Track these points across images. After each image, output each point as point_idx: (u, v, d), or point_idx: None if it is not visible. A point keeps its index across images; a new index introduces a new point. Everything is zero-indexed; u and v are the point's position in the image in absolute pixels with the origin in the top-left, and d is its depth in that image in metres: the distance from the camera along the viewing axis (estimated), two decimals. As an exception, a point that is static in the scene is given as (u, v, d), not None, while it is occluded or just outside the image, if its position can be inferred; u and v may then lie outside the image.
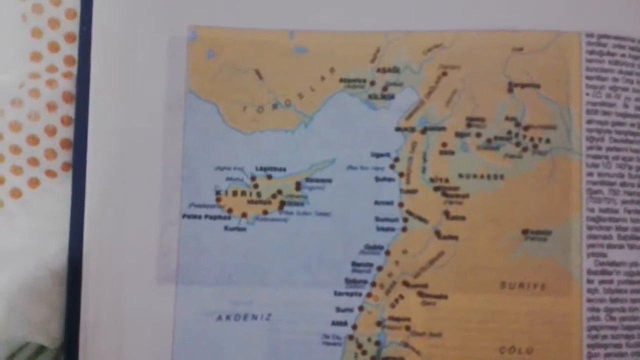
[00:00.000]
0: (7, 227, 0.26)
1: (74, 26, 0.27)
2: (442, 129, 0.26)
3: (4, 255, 0.26)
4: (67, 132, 0.27)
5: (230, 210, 0.26)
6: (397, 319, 0.26)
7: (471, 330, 0.25)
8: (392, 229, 0.26)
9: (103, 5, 0.27)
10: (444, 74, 0.26)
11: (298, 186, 0.26)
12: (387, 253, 0.26)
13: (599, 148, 0.26)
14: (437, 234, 0.26)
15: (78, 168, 0.26)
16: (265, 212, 0.26)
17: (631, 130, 0.26)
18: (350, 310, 0.26)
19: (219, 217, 0.26)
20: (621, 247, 0.26)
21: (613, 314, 0.25)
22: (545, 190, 0.26)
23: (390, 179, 0.26)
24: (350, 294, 0.26)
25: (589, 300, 0.25)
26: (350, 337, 0.26)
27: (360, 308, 0.26)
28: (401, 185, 0.26)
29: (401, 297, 0.26)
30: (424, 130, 0.26)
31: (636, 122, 0.26)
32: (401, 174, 0.26)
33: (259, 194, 0.26)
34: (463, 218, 0.26)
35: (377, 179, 0.26)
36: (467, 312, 0.25)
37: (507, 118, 0.26)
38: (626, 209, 0.26)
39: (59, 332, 0.26)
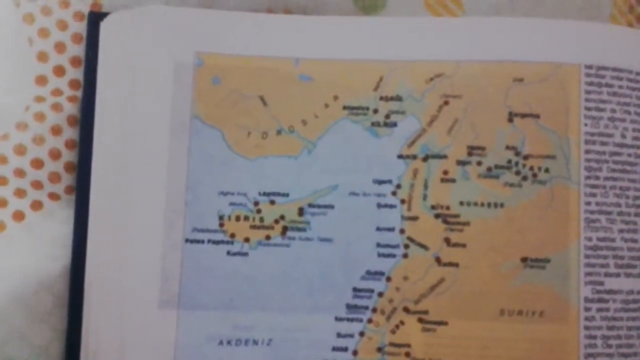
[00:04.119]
0: (9, 250, 0.26)
1: (80, 50, 0.27)
2: (444, 157, 0.26)
3: (6, 277, 0.26)
4: (72, 156, 0.27)
5: (233, 235, 0.26)
6: (398, 345, 0.26)
7: (470, 357, 0.26)
8: (393, 255, 0.26)
9: (110, 29, 0.27)
10: (446, 103, 0.27)
11: (301, 212, 0.26)
12: (388, 279, 0.26)
13: (597, 178, 0.26)
14: (438, 260, 0.26)
15: (81, 191, 0.26)
16: (267, 238, 0.26)
17: (628, 160, 0.26)
18: (351, 335, 0.26)
19: (222, 242, 0.26)
20: (618, 275, 0.26)
21: (609, 341, 0.26)
22: (544, 218, 0.26)
23: (391, 206, 0.26)
24: (351, 320, 0.26)
25: (586, 328, 0.26)
26: (351, 363, 0.26)
27: (361, 334, 0.26)
28: (402, 212, 0.26)
29: (402, 323, 0.26)
30: (425, 158, 0.26)
31: (633, 152, 0.26)
32: (402, 201, 0.26)
33: (261, 219, 0.26)
34: (463, 245, 0.26)
35: (379, 206, 0.26)
36: (466, 338, 0.26)
37: (507, 147, 0.26)
38: (623, 238, 0.26)
39: (60, 356, 0.26)
